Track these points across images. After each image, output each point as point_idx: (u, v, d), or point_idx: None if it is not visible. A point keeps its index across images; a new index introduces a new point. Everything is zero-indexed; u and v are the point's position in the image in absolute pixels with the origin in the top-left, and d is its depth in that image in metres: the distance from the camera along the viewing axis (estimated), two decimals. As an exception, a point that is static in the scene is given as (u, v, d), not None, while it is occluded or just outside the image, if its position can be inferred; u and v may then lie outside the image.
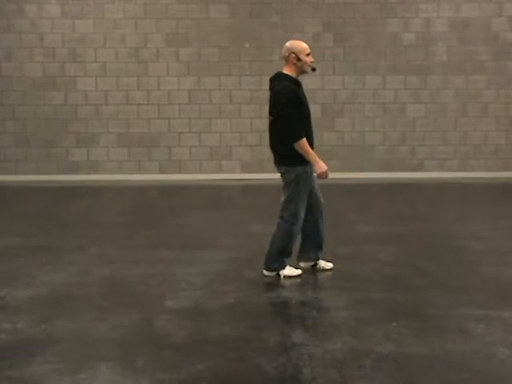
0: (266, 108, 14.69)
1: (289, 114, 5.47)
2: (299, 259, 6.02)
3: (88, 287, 5.59)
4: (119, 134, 13.14)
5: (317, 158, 5.53)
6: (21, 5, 12.94)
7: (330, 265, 6.05)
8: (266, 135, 5.69)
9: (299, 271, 5.80)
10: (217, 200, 10.54)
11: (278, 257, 5.73)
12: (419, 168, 13.20)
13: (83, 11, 12.99)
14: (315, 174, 5.69)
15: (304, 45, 5.63)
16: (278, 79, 5.61)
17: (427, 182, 12.41)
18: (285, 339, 4.30)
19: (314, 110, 13.67)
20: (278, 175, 5.75)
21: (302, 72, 5.65)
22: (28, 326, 4.59)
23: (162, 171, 13.21)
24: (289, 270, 5.75)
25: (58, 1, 12.97)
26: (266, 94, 13.40)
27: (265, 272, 5.79)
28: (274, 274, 5.75)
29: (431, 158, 13.20)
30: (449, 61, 13.09)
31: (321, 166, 5.53)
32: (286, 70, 5.63)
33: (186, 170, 13.24)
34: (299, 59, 5.57)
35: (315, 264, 6.02)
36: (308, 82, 13.02)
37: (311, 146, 5.64)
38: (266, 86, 14.44)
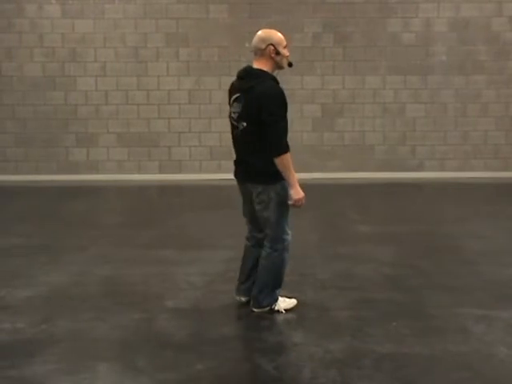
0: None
1: (276, 122, 4.42)
2: (238, 293, 5.02)
3: (88, 287, 5.59)
4: (119, 134, 13.13)
5: (296, 181, 4.51)
6: (21, 4, 12.93)
7: None
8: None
9: (294, 301, 4.94)
10: (217, 200, 10.54)
11: (270, 291, 4.79)
12: (419, 168, 13.18)
13: (83, 11, 12.98)
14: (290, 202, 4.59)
15: (281, 35, 4.63)
16: (252, 77, 4.56)
17: (427, 181, 12.40)
18: (285, 339, 4.30)
19: (314, 110, 13.75)
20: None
21: (279, 68, 4.65)
22: (28, 326, 4.59)
23: (161, 171, 13.20)
24: (284, 303, 4.87)
25: (57, 1, 12.96)
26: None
27: (255, 310, 4.82)
28: (266, 309, 4.80)
29: (431, 158, 13.18)
30: (449, 61, 13.08)
31: (298, 191, 4.51)
32: (260, 65, 4.57)
33: (185, 170, 13.23)
34: (278, 52, 4.56)
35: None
36: (308, 82, 13.02)
37: None
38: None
